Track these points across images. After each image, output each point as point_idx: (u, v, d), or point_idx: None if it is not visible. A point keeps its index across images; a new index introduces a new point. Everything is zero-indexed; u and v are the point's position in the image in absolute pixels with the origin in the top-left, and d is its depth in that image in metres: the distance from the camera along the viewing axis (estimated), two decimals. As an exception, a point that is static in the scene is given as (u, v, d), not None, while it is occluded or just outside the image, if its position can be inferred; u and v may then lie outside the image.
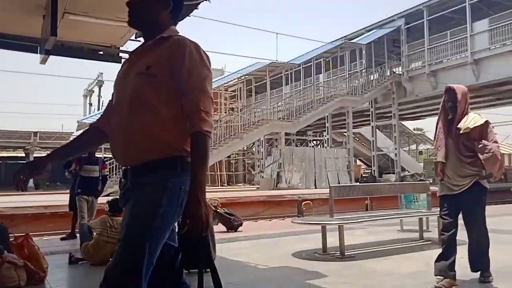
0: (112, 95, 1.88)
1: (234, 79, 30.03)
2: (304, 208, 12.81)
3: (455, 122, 3.47)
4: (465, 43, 22.75)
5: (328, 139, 30.03)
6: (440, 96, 4.37)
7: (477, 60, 22.47)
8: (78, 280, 4.46)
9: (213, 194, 15.91)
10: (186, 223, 1.55)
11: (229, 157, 31.22)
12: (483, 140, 3.36)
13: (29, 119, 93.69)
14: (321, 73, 29.53)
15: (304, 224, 6.22)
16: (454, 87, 3.53)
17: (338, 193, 5.87)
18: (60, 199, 11.56)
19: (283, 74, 29.10)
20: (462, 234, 3.64)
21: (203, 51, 1.80)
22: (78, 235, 6.25)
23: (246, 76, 29.50)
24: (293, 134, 29.55)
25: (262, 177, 26.11)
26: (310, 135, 35.62)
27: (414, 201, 6.72)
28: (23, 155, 32.23)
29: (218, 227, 7.55)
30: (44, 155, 1.92)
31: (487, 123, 3.44)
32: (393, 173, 27.86)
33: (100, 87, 36.82)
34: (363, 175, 31.34)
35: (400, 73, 27.07)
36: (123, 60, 5.93)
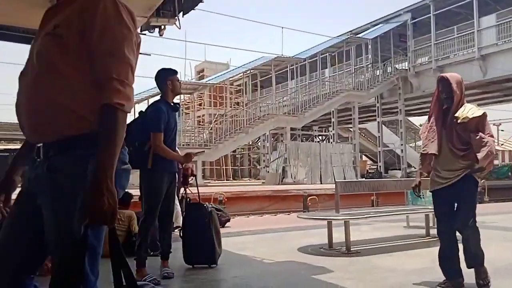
0: None
1: (240, 73, 29.96)
2: (309, 203, 12.83)
3: (451, 112, 3.27)
4: (472, 38, 22.58)
5: (333, 134, 29.94)
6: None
7: (484, 55, 22.30)
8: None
9: (219, 188, 15.95)
10: (85, 215, 1.28)
11: (234, 151, 31.24)
12: (480, 133, 3.18)
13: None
14: (326, 67, 29.41)
15: (310, 219, 6.20)
16: (448, 76, 3.33)
17: (344, 189, 5.85)
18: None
19: (288, 69, 29.01)
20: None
21: (124, 5, 1.47)
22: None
23: (251, 71, 29.43)
24: (299, 129, 29.49)
25: (268, 172, 26.12)
26: (315, 130, 35.54)
27: (421, 198, 6.68)
28: (30, 148, 32.39)
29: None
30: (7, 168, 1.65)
31: (484, 115, 3.26)
32: (399, 169, 27.76)
33: (105, 81, 36.85)
34: (369, 171, 31.29)
35: (406, 68, 26.91)
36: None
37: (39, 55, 1.45)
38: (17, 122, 1.58)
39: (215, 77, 28.91)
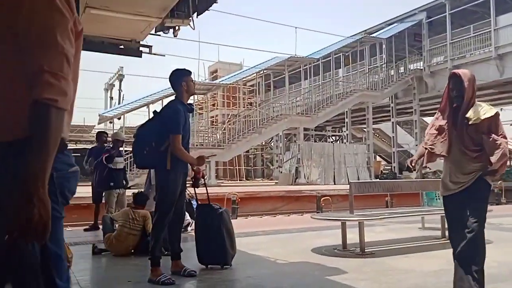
0: None
1: (253, 73, 29.97)
2: (323, 204, 12.76)
3: (462, 112, 3.07)
4: (489, 37, 22.23)
5: (347, 134, 29.76)
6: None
7: (501, 55, 21.94)
8: (101, 270, 4.53)
9: (232, 188, 15.97)
10: (12, 230, 1.12)
11: (247, 151, 31.27)
12: (492, 134, 2.99)
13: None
14: (340, 67, 29.26)
15: (323, 220, 6.17)
16: (460, 73, 3.13)
17: (358, 189, 5.81)
18: (83, 191, 11.75)
19: (301, 69, 28.93)
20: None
21: None
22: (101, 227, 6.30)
23: (264, 71, 29.42)
24: (312, 130, 29.39)
25: (281, 172, 26.09)
26: (329, 131, 35.38)
27: (436, 199, 6.60)
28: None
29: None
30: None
31: (497, 114, 3.05)
32: (414, 169, 27.45)
33: (120, 81, 37.25)
34: (383, 172, 31.00)
35: (421, 68, 26.62)
36: (143, 55, 5.99)
37: None
38: None
39: (229, 78, 28.98)
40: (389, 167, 31.22)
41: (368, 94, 25.80)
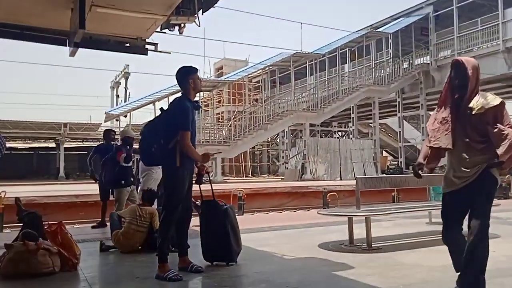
0: None
1: (258, 70, 29.94)
2: (329, 200, 12.77)
3: (465, 102, 2.88)
4: (497, 30, 22.04)
5: (353, 130, 29.69)
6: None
7: (509, 48, 21.75)
8: (109, 267, 4.56)
9: (238, 185, 16.01)
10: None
11: (253, 148, 31.30)
12: (498, 124, 2.79)
13: (60, 110, 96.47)
14: (346, 63, 29.14)
15: (330, 216, 6.17)
16: (463, 60, 2.94)
17: (365, 185, 5.79)
18: (90, 188, 11.84)
19: (307, 65, 28.83)
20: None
21: None
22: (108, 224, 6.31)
23: (270, 67, 29.38)
24: (318, 125, 29.36)
25: (287, 168, 26.11)
26: (335, 126, 35.30)
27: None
28: (54, 145, 33.15)
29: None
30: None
31: (502, 103, 2.86)
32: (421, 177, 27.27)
33: (126, 79, 37.40)
34: (390, 167, 30.88)
35: (428, 62, 26.44)
36: (149, 52, 6.01)
37: None
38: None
39: (234, 74, 28.99)
40: (396, 162, 31.08)
41: (375, 89, 25.69)
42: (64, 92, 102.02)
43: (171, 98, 7.93)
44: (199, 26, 5.51)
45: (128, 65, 36.85)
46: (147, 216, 4.92)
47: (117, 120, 25.36)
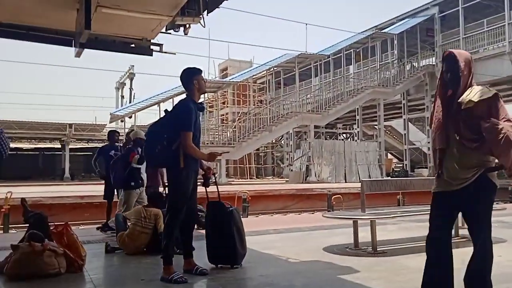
0: None
1: (263, 71, 29.94)
2: (334, 202, 12.70)
3: (456, 97, 2.64)
4: (503, 31, 21.93)
5: (358, 132, 29.60)
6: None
7: (515, 49, 21.61)
8: (114, 268, 4.56)
9: (242, 187, 15.99)
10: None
11: (257, 149, 31.26)
12: (491, 118, 2.51)
13: (65, 111, 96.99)
14: (351, 64, 29.08)
15: (335, 219, 6.13)
16: (455, 53, 2.73)
17: (370, 188, 5.75)
18: (95, 189, 11.88)
19: (312, 66, 28.81)
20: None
21: None
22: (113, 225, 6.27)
23: (274, 68, 29.37)
24: (322, 127, 29.28)
25: (291, 170, 26.05)
26: (339, 128, 35.21)
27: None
28: (59, 146, 33.30)
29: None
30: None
31: (496, 95, 2.59)
32: (426, 167, 27.21)
33: (131, 79, 37.44)
34: (395, 169, 30.77)
35: (433, 63, 26.33)
36: (154, 53, 6.00)
37: None
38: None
39: (239, 75, 28.99)
40: (401, 165, 30.97)
41: (380, 91, 25.60)
42: (69, 93, 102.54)
43: (176, 99, 7.89)
44: (204, 26, 5.50)
45: (133, 65, 36.94)
46: (152, 217, 4.91)
47: (122, 121, 25.42)
